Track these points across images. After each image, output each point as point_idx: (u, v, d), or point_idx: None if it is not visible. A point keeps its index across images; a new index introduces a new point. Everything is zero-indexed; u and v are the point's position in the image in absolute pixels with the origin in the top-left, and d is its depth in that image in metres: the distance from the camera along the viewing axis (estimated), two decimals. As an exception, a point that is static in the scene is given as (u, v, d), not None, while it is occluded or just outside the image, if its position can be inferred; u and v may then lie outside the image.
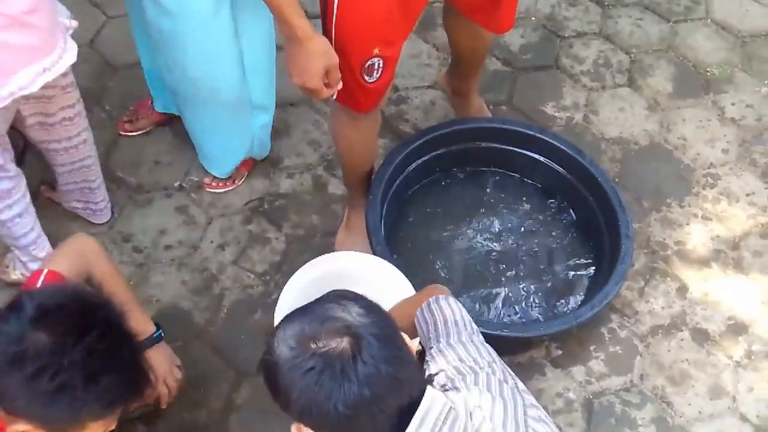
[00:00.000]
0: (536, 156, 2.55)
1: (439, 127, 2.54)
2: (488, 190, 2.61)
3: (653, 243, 2.59)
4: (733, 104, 2.96)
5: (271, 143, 2.69)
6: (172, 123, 2.73)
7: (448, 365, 1.37)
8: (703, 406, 2.28)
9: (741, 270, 2.55)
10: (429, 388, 1.24)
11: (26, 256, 2.25)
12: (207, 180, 2.63)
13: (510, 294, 2.40)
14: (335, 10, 1.81)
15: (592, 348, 2.37)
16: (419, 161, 2.51)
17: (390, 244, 2.32)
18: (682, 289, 2.49)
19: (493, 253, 2.48)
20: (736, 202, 2.70)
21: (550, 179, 2.58)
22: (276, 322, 1.93)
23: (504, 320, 2.35)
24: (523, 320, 2.36)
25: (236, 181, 2.63)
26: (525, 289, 2.42)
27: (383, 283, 2.09)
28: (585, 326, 2.30)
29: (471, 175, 2.63)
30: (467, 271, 2.44)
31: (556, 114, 2.89)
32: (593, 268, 2.45)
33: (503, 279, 2.42)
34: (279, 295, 2.07)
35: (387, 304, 1.86)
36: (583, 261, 2.48)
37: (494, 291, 2.40)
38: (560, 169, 2.53)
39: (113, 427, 1.41)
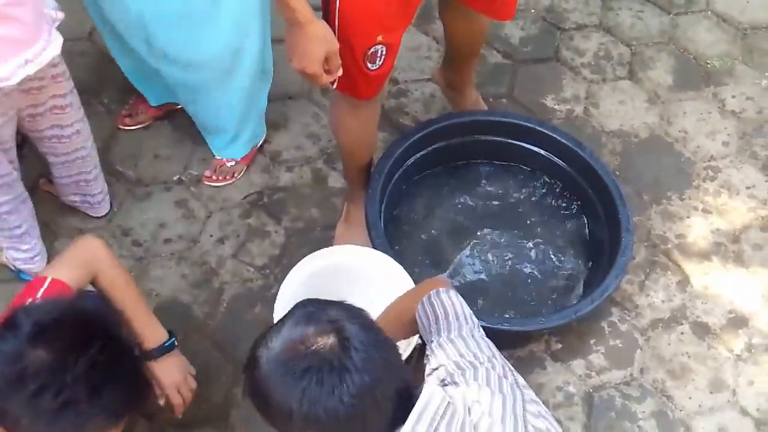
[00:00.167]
0: (536, 149, 2.55)
1: (438, 120, 2.54)
2: (488, 183, 2.61)
3: (653, 236, 2.58)
4: (733, 97, 2.95)
5: (271, 137, 2.68)
6: (172, 117, 2.73)
7: (448, 360, 1.37)
8: (703, 399, 2.28)
9: (741, 263, 2.55)
10: (427, 383, 1.24)
11: (6, 242, 2.27)
12: (207, 173, 2.62)
13: (509, 288, 2.39)
14: None
15: (592, 342, 2.37)
16: (419, 154, 2.50)
17: (389, 238, 2.32)
18: (683, 283, 2.49)
19: (492, 247, 2.47)
20: (736, 195, 2.69)
21: (550, 172, 2.58)
22: (275, 315, 1.95)
23: (504, 314, 2.35)
24: (523, 314, 2.35)
25: (236, 175, 2.63)
26: (523, 280, 2.41)
27: (382, 276, 2.09)
28: (585, 320, 2.30)
29: (470, 168, 2.62)
30: (467, 264, 2.43)
31: (557, 107, 2.89)
32: (593, 261, 2.45)
33: (501, 272, 2.42)
34: (278, 288, 2.07)
35: (387, 297, 1.86)
36: (583, 254, 2.47)
37: (493, 284, 2.40)
38: (560, 162, 2.53)
39: None
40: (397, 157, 2.41)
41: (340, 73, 1.86)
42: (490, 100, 2.86)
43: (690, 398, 2.28)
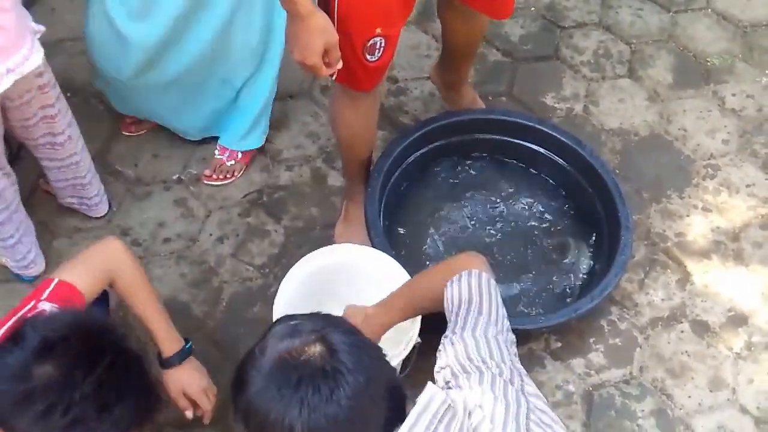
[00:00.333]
0: (536, 147, 2.55)
1: (438, 119, 2.54)
2: (487, 181, 2.60)
3: (653, 234, 2.58)
4: (733, 95, 2.94)
5: (271, 136, 2.68)
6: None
7: (455, 361, 1.35)
8: (703, 398, 2.28)
9: (741, 261, 2.54)
10: (429, 384, 1.24)
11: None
12: (206, 173, 2.62)
13: (509, 285, 2.39)
14: None
15: (591, 340, 2.37)
16: (418, 153, 2.50)
17: (388, 236, 2.32)
18: (682, 281, 2.49)
19: (492, 244, 2.47)
20: (736, 194, 2.69)
21: (549, 170, 2.57)
22: (275, 315, 1.95)
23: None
24: (522, 312, 2.35)
25: (235, 174, 2.62)
26: (523, 279, 2.41)
27: (382, 275, 2.09)
28: (584, 318, 2.30)
29: (470, 167, 2.62)
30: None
31: (556, 105, 2.88)
32: (592, 259, 2.44)
33: (502, 270, 2.41)
34: (278, 287, 2.07)
35: (386, 296, 1.85)
36: (582, 252, 2.47)
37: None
38: (560, 160, 2.53)
39: None
40: (396, 155, 2.41)
41: (340, 65, 1.86)
42: (490, 98, 2.86)
43: (690, 397, 2.28)
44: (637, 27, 3.13)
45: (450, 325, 1.46)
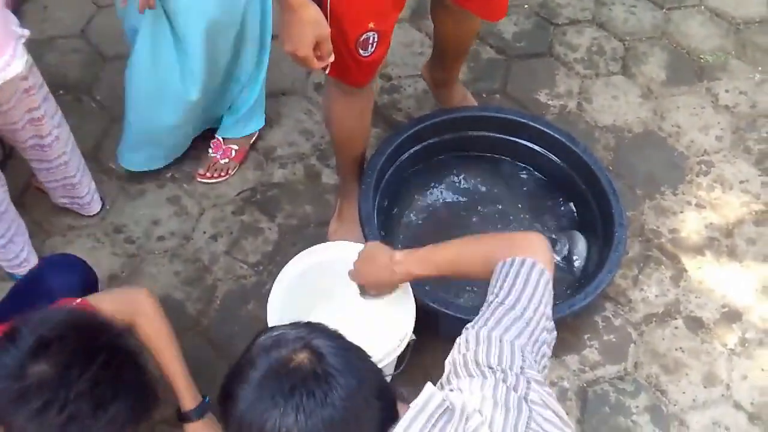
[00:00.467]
0: (529, 144, 2.55)
1: (431, 116, 2.54)
2: (481, 178, 2.60)
3: (647, 231, 2.59)
4: (726, 91, 2.95)
5: (264, 133, 2.68)
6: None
7: (464, 360, 1.33)
8: (697, 394, 2.28)
9: (735, 257, 2.55)
10: (428, 384, 1.23)
11: None
12: (200, 171, 2.62)
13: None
14: None
15: (586, 336, 2.37)
16: (412, 150, 2.50)
17: (383, 234, 2.31)
18: (676, 277, 2.49)
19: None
20: (729, 190, 2.69)
21: (543, 167, 2.57)
22: (269, 313, 1.94)
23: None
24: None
25: (229, 172, 2.62)
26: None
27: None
28: (579, 315, 2.30)
29: (464, 164, 2.62)
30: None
31: (550, 102, 2.88)
32: (586, 256, 2.44)
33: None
34: (272, 285, 2.06)
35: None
36: (576, 249, 2.47)
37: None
38: (553, 157, 2.53)
39: None
40: (390, 153, 2.41)
41: (331, 59, 1.86)
42: (483, 95, 2.86)
43: (684, 393, 2.28)
44: (631, 24, 3.14)
45: (481, 311, 1.43)
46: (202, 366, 2.24)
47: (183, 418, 1.87)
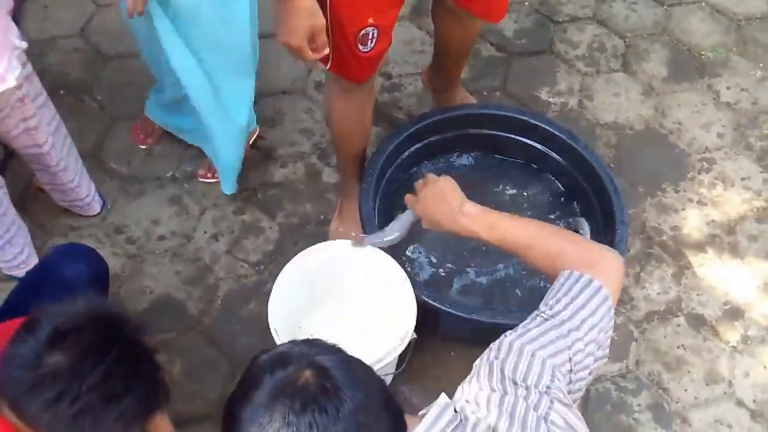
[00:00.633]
0: (530, 142, 2.54)
1: (432, 114, 2.53)
2: (481, 175, 2.60)
3: (648, 228, 2.58)
4: (728, 88, 2.94)
5: (264, 132, 2.67)
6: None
7: (490, 370, 1.31)
8: (699, 391, 2.28)
9: (737, 254, 2.54)
10: (442, 396, 1.22)
11: None
12: (201, 171, 2.62)
13: (503, 280, 2.39)
14: None
15: (587, 334, 2.36)
16: (412, 148, 2.49)
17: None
18: (678, 275, 2.49)
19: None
20: (731, 187, 2.69)
21: (544, 165, 2.57)
22: (270, 312, 1.94)
23: (499, 307, 2.34)
24: (516, 307, 2.35)
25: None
26: (518, 274, 2.41)
27: (376, 272, 2.09)
28: (580, 313, 2.29)
29: (465, 162, 2.61)
30: (460, 257, 2.43)
31: (551, 99, 2.88)
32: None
33: (496, 265, 2.41)
34: (273, 284, 2.06)
35: (381, 293, 1.85)
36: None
37: (487, 277, 2.39)
38: (555, 155, 2.52)
39: None
40: (390, 151, 2.40)
41: (326, 51, 1.85)
42: (484, 93, 2.85)
43: (686, 390, 2.28)
44: (632, 21, 3.13)
45: (528, 318, 1.39)
46: (204, 365, 2.25)
47: None
